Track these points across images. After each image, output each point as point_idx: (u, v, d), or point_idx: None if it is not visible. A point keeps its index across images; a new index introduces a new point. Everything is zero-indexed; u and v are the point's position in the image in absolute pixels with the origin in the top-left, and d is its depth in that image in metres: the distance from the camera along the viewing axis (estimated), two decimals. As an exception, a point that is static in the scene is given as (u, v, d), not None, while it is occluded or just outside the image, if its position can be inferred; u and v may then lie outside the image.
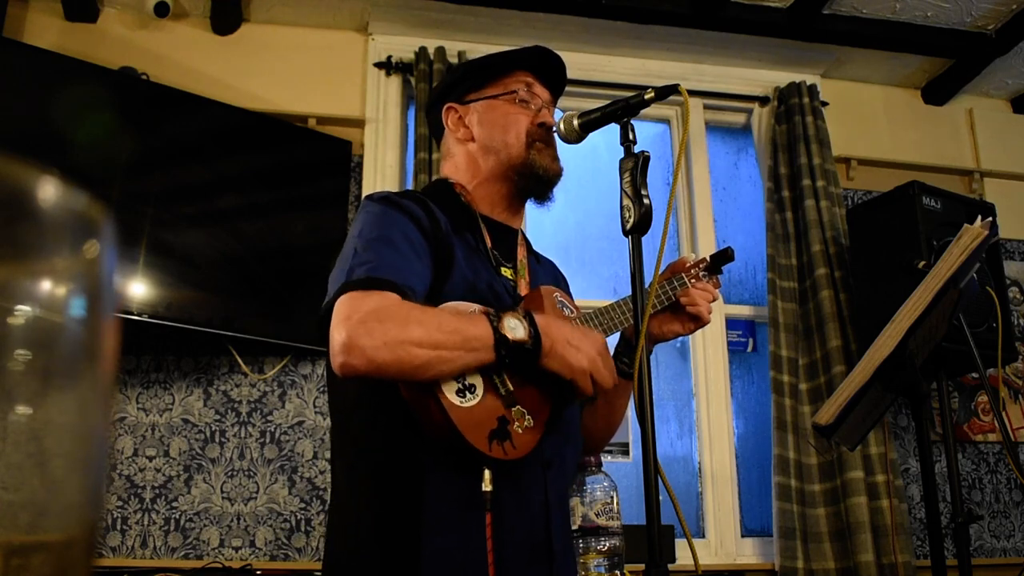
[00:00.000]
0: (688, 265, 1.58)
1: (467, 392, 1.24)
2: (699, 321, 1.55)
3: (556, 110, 1.60)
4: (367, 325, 1.18)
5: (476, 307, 1.30)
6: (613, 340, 1.62)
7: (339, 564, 1.33)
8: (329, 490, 2.84)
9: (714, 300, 1.57)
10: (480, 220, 1.49)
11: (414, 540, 1.25)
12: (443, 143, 1.60)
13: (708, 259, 1.60)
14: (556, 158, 1.52)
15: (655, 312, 1.54)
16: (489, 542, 1.19)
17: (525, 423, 1.28)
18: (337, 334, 1.19)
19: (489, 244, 1.47)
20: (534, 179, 1.50)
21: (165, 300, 2.68)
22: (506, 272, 1.48)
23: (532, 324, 1.26)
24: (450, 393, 1.22)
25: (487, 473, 1.21)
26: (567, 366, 1.27)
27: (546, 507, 1.33)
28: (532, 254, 1.61)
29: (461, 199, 1.50)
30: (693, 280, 1.56)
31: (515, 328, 1.24)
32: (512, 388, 1.29)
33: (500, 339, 1.22)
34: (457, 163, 1.55)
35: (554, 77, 1.59)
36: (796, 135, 3.36)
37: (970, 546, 2.19)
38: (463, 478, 1.25)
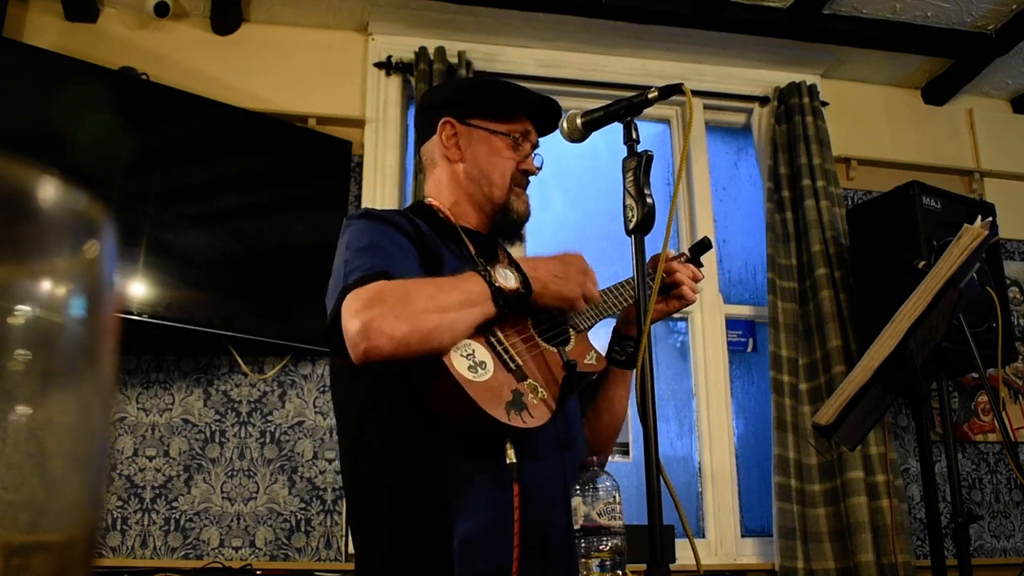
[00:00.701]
0: (670, 258, 1.63)
1: (479, 368, 1.28)
2: (683, 300, 1.59)
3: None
4: (374, 308, 1.23)
5: None
6: (607, 331, 1.64)
7: (376, 566, 1.35)
8: (329, 490, 2.85)
9: (699, 281, 1.61)
10: (461, 232, 1.54)
11: (446, 532, 1.28)
12: (426, 149, 1.63)
13: (687, 252, 1.65)
14: (529, 202, 1.61)
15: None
16: (517, 512, 1.21)
17: (539, 395, 1.32)
18: (351, 326, 1.23)
19: (473, 251, 1.52)
20: (509, 221, 1.58)
21: (165, 300, 2.68)
22: None
23: (519, 270, 1.36)
24: (463, 370, 1.26)
25: (509, 448, 1.25)
26: (561, 299, 1.40)
27: (565, 488, 1.37)
28: (514, 262, 1.65)
29: (439, 215, 1.56)
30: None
31: (507, 277, 1.33)
32: (521, 363, 1.33)
33: (496, 291, 1.31)
34: (439, 178, 1.60)
35: (547, 128, 1.65)
36: (796, 135, 3.36)
37: (970, 546, 2.19)
38: (484, 460, 1.29)
